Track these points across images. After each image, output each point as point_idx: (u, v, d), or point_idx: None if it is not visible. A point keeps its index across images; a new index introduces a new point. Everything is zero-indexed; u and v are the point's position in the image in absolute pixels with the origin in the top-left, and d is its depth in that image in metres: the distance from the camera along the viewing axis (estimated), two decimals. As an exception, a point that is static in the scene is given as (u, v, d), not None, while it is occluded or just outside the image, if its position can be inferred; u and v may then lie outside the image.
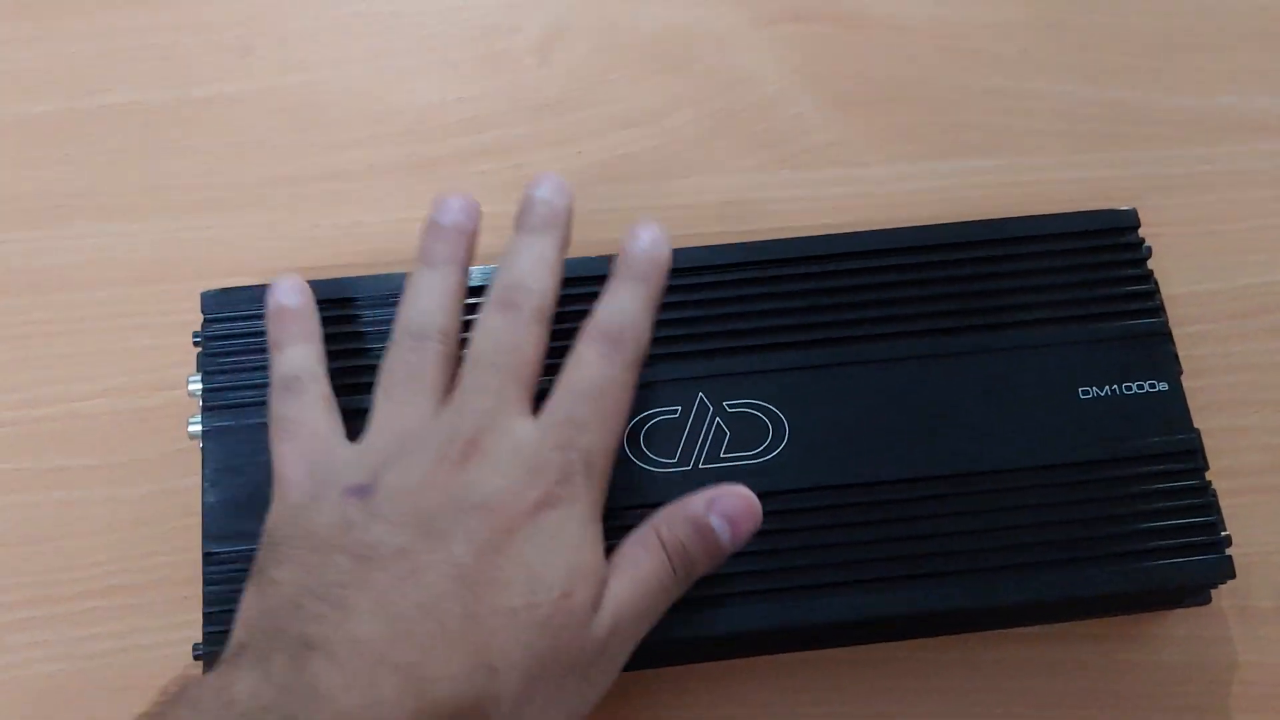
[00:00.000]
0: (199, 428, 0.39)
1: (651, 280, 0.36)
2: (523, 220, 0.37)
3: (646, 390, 0.39)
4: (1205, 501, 0.38)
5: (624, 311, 0.35)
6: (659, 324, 0.37)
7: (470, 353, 0.35)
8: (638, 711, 0.39)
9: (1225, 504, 0.38)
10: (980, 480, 0.38)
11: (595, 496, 0.34)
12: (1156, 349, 0.40)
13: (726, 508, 0.34)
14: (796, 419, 0.39)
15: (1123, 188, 0.46)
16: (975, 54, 0.49)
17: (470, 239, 0.37)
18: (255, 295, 0.40)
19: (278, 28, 0.49)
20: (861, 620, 0.37)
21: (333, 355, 0.39)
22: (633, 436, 0.39)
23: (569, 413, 0.34)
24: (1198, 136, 0.48)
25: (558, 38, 0.49)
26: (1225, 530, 0.38)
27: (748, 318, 0.40)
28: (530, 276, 0.35)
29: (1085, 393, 0.39)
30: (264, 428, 0.38)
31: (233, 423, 0.39)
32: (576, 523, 0.33)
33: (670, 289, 0.40)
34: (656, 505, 0.36)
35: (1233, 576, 0.37)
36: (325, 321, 0.39)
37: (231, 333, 0.40)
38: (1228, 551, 0.37)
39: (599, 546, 0.33)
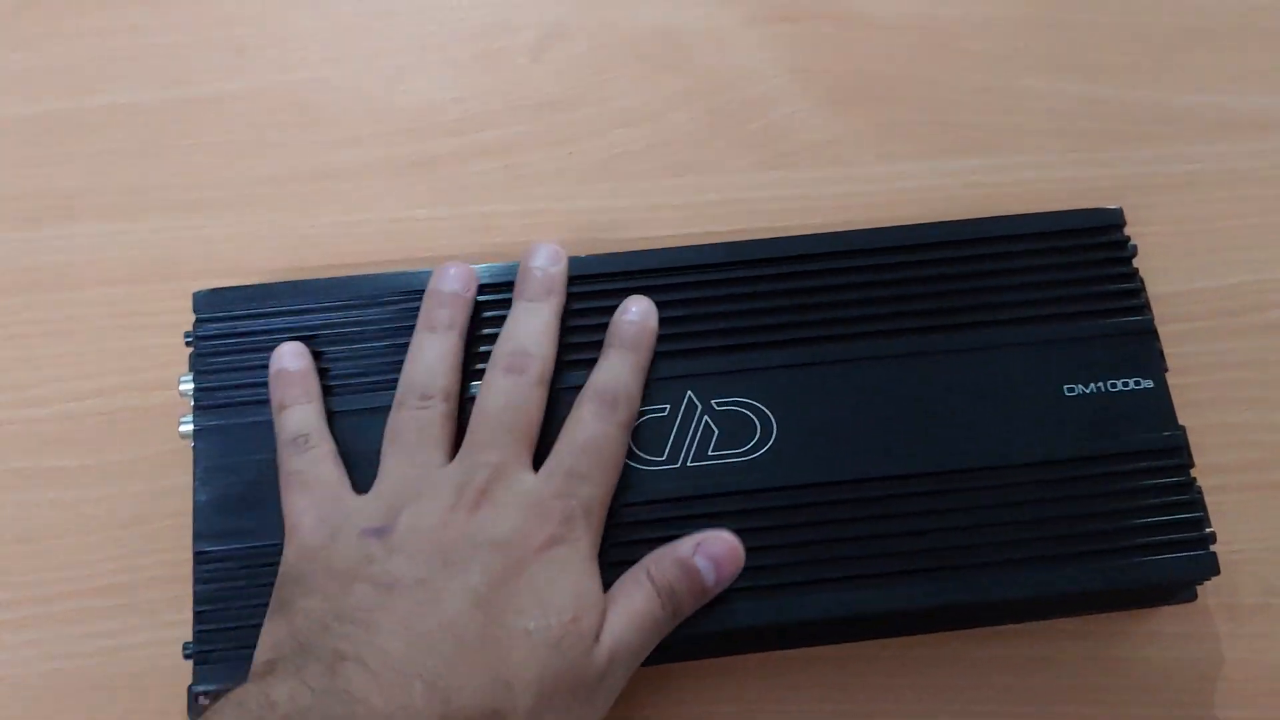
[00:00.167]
0: (190, 427, 0.39)
1: (641, 348, 0.39)
2: (522, 289, 0.40)
3: (635, 388, 0.40)
4: (1190, 499, 0.38)
5: (617, 378, 0.38)
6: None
7: (478, 410, 0.38)
8: (630, 709, 0.39)
9: (1210, 501, 0.38)
10: (967, 477, 0.38)
11: (594, 538, 0.37)
12: (1142, 347, 0.40)
13: (712, 550, 0.36)
14: (784, 417, 0.39)
15: (1113, 186, 0.46)
16: (968, 53, 0.49)
17: (467, 305, 0.40)
18: (247, 295, 0.41)
19: (275, 28, 0.49)
20: (849, 616, 0.37)
21: (330, 355, 0.40)
22: (622, 434, 0.39)
23: (570, 466, 0.37)
24: (1187, 135, 0.48)
25: (555, 37, 0.50)
26: (1210, 527, 0.38)
27: (735, 317, 0.40)
28: (533, 343, 0.39)
29: (1071, 390, 0.40)
30: (255, 427, 0.39)
31: (224, 422, 0.39)
32: (580, 559, 0.36)
33: (659, 289, 0.40)
34: (646, 503, 0.38)
35: (1217, 573, 0.37)
36: (324, 321, 0.40)
37: (223, 333, 0.40)
38: (1213, 548, 0.38)
39: (599, 581, 0.36)
